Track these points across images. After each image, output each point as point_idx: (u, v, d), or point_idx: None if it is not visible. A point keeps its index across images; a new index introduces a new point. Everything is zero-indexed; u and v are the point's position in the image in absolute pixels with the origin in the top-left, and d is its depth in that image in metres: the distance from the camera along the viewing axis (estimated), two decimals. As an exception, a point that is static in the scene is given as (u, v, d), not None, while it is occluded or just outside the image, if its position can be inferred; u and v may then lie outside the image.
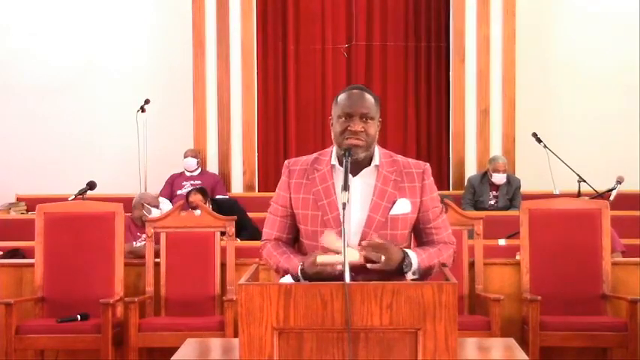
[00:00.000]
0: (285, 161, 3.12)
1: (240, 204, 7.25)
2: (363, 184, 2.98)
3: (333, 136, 2.98)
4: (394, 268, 2.85)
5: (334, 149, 3.01)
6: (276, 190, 3.10)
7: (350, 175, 2.90)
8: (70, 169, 8.68)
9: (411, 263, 2.90)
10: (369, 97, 2.97)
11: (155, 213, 6.16)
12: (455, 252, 3.08)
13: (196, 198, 6.73)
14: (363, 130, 2.92)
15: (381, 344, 2.54)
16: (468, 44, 8.66)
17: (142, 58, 9.10)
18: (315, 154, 3.08)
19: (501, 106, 8.67)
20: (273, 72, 9.05)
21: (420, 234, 3.06)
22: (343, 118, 2.94)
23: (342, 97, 2.98)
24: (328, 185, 2.98)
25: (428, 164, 3.08)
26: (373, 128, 2.95)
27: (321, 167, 3.01)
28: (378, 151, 3.02)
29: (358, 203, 2.95)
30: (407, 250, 2.92)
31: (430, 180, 3.04)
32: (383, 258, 2.82)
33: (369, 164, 3.00)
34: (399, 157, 3.06)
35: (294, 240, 3.10)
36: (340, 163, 2.97)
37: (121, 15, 9.16)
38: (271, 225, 3.09)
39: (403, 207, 2.97)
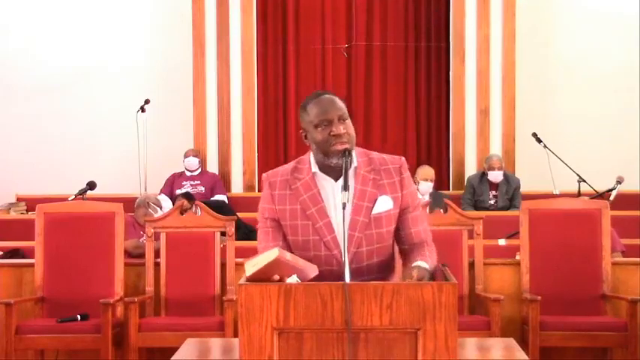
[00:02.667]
0: (263, 175, 3.04)
1: (229, 205, 7.23)
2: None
3: (314, 146, 2.92)
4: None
5: (312, 157, 2.96)
6: (260, 204, 3.01)
7: (333, 181, 2.91)
8: (70, 169, 8.68)
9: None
10: (338, 99, 2.93)
11: (160, 214, 6.15)
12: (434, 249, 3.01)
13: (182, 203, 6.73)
14: (345, 131, 2.88)
15: (381, 344, 2.54)
16: (468, 44, 8.66)
17: (141, 58, 9.10)
18: (292, 163, 3.03)
19: (501, 106, 8.67)
20: (273, 72, 9.05)
21: (400, 239, 3.01)
22: (322, 126, 2.88)
23: (311, 105, 2.92)
24: (314, 193, 2.93)
25: (403, 158, 3.03)
26: (351, 127, 2.92)
27: (302, 176, 2.96)
28: (354, 151, 2.97)
29: (341, 207, 2.88)
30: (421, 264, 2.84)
31: (407, 174, 3.01)
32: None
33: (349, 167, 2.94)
34: (375, 154, 3.02)
35: (289, 248, 2.98)
36: (321, 170, 2.93)
37: (120, 15, 9.15)
38: (264, 237, 2.99)
39: (385, 204, 2.94)
